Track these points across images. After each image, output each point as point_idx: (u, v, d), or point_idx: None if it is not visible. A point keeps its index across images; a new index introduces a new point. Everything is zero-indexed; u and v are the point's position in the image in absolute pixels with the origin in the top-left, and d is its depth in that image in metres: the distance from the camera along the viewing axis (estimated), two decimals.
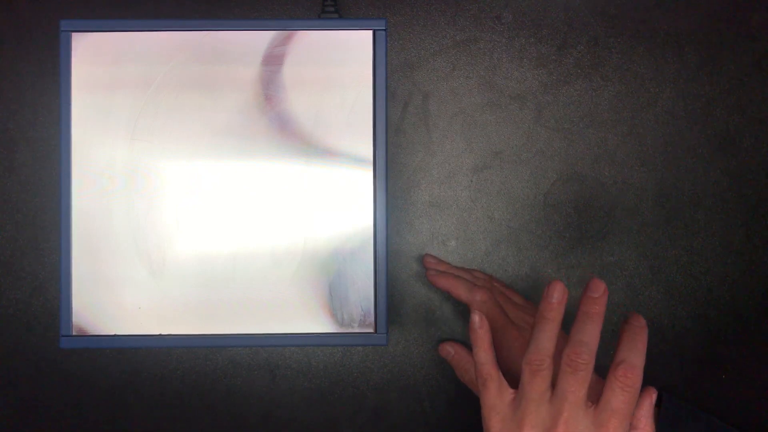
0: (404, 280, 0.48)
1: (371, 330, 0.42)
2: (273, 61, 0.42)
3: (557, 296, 0.36)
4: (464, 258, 0.48)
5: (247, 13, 0.47)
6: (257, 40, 0.42)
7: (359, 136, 0.42)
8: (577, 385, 0.35)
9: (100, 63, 0.42)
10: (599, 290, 0.36)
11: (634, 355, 0.36)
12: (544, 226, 0.48)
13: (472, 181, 0.48)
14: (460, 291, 0.44)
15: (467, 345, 0.47)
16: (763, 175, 0.48)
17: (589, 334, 0.36)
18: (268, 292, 0.42)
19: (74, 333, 0.42)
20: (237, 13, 0.47)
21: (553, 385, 0.36)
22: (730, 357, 0.48)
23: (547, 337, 0.36)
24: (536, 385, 0.36)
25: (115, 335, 0.42)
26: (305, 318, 0.42)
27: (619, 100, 0.48)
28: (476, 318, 0.39)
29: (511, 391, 0.38)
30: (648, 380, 0.47)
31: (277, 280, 0.42)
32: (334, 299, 0.42)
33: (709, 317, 0.48)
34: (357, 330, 0.42)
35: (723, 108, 0.48)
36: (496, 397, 0.37)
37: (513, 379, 0.42)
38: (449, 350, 0.46)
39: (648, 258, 0.48)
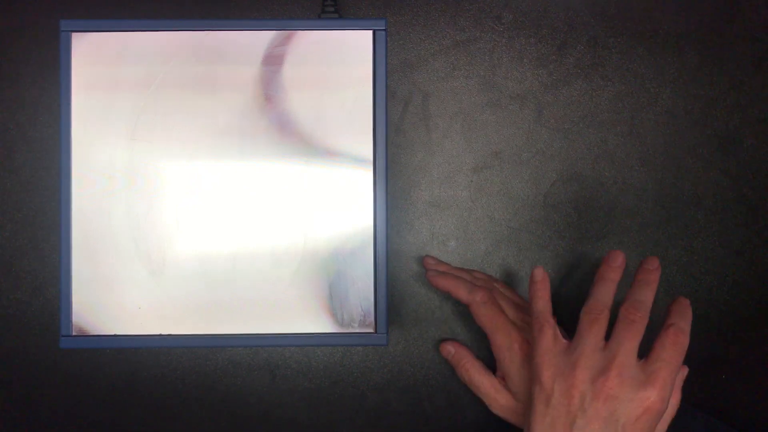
0: (404, 280, 0.48)
1: (371, 330, 0.42)
2: (273, 61, 0.42)
3: (617, 262, 0.41)
4: (464, 258, 0.48)
5: (247, 13, 0.47)
6: (257, 40, 0.42)
7: (359, 136, 0.42)
8: (631, 335, 0.38)
9: (100, 63, 0.42)
10: (654, 264, 0.41)
11: (683, 322, 0.39)
12: (544, 226, 0.48)
13: (472, 181, 0.48)
14: (460, 291, 0.44)
15: (467, 344, 0.47)
16: (763, 175, 0.48)
17: (645, 295, 0.40)
18: (268, 292, 0.42)
19: (74, 333, 0.42)
20: (237, 13, 0.47)
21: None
22: (730, 357, 0.48)
23: (606, 292, 0.40)
24: (594, 332, 0.38)
25: (115, 335, 0.42)
26: (305, 318, 0.42)
27: (619, 100, 0.48)
28: (539, 271, 0.42)
29: (564, 340, 0.39)
30: None
31: (277, 280, 0.42)
32: (334, 299, 0.42)
33: (709, 317, 0.48)
34: (357, 330, 0.42)
35: (723, 108, 0.48)
36: (551, 342, 0.39)
37: (512, 382, 0.42)
38: (450, 349, 0.46)
39: None
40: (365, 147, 0.42)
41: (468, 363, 0.45)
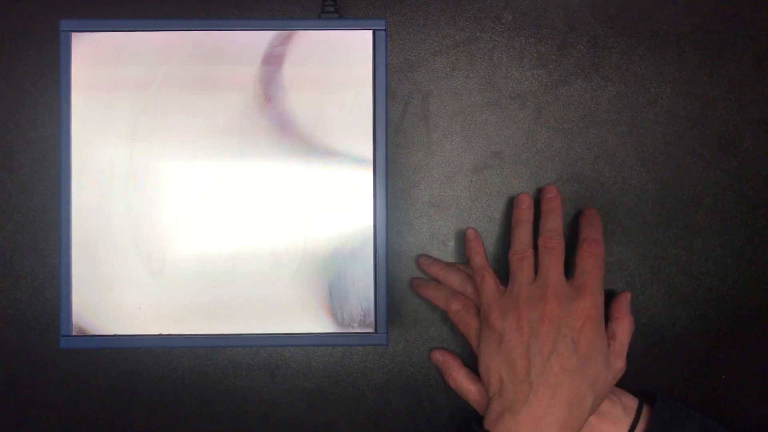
0: (404, 280, 0.48)
1: (371, 330, 0.42)
2: (273, 61, 0.42)
3: (526, 203, 0.45)
4: (464, 258, 0.48)
5: (247, 13, 0.47)
6: (257, 40, 0.42)
7: (359, 136, 0.42)
8: (554, 260, 0.42)
9: (100, 63, 0.42)
10: (552, 192, 0.46)
11: (594, 233, 0.44)
12: None
13: (472, 181, 0.48)
14: (438, 301, 0.45)
15: (465, 345, 0.47)
16: (763, 175, 0.48)
17: (555, 223, 0.44)
18: (268, 292, 0.42)
19: (74, 333, 0.42)
20: (237, 13, 0.47)
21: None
22: (730, 357, 0.48)
23: (525, 233, 0.44)
24: (524, 269, 0.43)
25: (115, 335, 0.42)
26: (305, 318, 0.42)
27: (619, 100, 0.48)
28: (471, 231, 0.46)
29: (503, 287, 0.44)
30: (648, 380, 0.47)
31: (277, 280, 0.42)
32: (334, 299, 0.42)
33: (709, 317, 0.48)
34: (357, 330, 0.42)
35: (723, 108, 0.48)
36: (494, 289, 0.43)
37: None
38: (438, 357, 0.47)
39: (648, 258, 0.48)
40: (365, 147, 0.42)
41: (454, 371, 0.45)
